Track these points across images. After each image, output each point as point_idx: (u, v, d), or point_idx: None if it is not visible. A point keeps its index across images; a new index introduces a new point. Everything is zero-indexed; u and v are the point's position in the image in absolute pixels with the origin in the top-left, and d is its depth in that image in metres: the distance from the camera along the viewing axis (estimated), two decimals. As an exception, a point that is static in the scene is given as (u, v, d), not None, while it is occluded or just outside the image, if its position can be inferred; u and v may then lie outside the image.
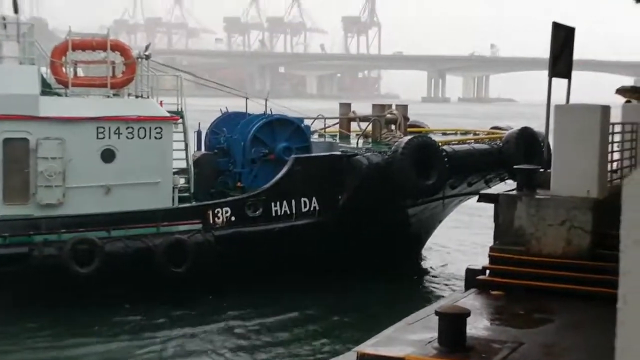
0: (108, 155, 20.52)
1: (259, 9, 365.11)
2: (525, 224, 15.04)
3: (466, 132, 30.70)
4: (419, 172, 21.71)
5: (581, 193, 14.90)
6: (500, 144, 24.75)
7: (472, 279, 14.80)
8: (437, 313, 10.22)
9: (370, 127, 26.48)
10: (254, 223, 20.85)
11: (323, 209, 21.71)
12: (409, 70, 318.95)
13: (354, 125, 28.21)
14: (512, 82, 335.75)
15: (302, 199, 21.51)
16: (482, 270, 15.01)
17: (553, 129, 16.04)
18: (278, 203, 21.22)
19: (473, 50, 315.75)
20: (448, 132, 31.98)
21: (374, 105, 27.65)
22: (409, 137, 23.08)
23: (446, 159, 22.44)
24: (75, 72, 21.57)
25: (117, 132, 20.51)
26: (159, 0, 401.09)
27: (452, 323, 10.06)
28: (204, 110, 22.73)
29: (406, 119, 27.09)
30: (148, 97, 21.61)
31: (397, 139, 23.97)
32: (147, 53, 21.66)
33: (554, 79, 17.65)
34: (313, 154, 22.68)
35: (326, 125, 27.07)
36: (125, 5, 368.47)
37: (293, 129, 23.38)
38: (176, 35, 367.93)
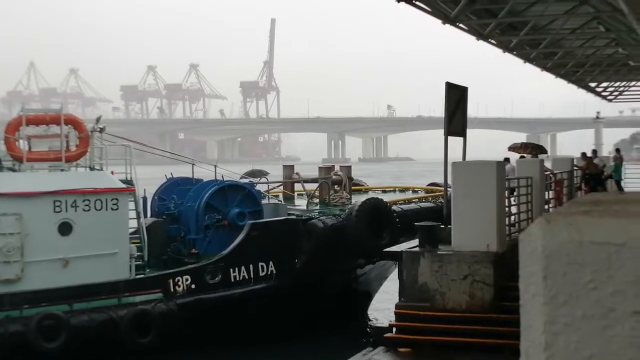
0: (65, 228, 20.49)
1: (156, 76, 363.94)
2: (429, 280, 15.24)
3: (404, 190, 31.86)
4: (373, 232, 22.44)
5: (482, 247, 15.22)
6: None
7: (379, 336, 14.85)
8: (347, 374, 10.18)
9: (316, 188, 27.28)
10: (213, 289, 21.16)
11: (280, 272, 22.14)
12: (309, 132, 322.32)
13: (297, 187, 29.04)
14: (409, 142, 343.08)
15: (260, 264, 21.90)
16: (389, 328, 15.08)
17: (451, 185, 16.37)
18: (236, 269, 21.57)
19: (372, 111, 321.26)
20: (387, 189, 32.88)
21: (320, 168, 28.69)
22: (362, 199, 24.01)
23: (397, 219, 23.30)
24: (29, 147, 21.57)
25: (73, 205, 20.53)
26: (54, 71, 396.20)
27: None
28: (142, 177, 22.76)
29: (350, 179, 27.94)
30: (101, 168, 21.82)
31: (345, 200, 25.40)
32: (101, 126, 21.89)
33: (451, 137, 18.10)
34: (269, 219, 23.12)
35: (269, 188, 27.86)
36: (19, 76, 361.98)
37: (244, 194, 23.87)
38: (72, 105, 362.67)
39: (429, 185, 30.80)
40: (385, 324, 15.25)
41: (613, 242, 1.92)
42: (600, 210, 2.17)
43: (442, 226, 16.78)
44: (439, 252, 15.48)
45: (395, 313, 15.46)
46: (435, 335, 14.49)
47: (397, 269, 17.09)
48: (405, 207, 25.74)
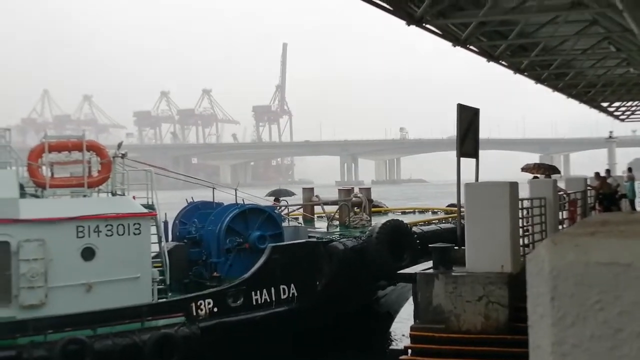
0: (88, 254, 20.69)
1: (169, 102, 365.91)
2: (444, 302, 15.21)
3: (424, 211, 31.93)
4: (394, 253, 22.53)
5: (496, 268, 15.18)
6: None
7: (395, 359, 14.81)
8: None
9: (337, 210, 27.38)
10: (235, 312, 21.30)
11: (301, 295, 22.26)
12: (322, 156, 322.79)
13: (317, 209, 29.17)
14: (421, 163, 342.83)
15: (281, 286, 22.03)
16: (404, 350, 15.05)
17: (465, 206, 16.35)
18: (258, 292, 21.72)
19: (384, 134, 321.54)
20: (407, 211, 32.94)
21: (339, 190, 28.78)
22: (382, 221, 24.11)
23: (417, 240, 23.36)
24: (52, 173, 21.87)
25: (96, 230, 20.73)
26: (68, 98, 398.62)
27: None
28: (160, 202, 23.09)
29: (370, 201, 28.02)
30: (123, 193, 22.08)
31: (365, 221, 25.48)
32: (122, 152, 22.21)
33: (463, 158, 18.12)
34: (290, 242, 23.32)
35: (289, 211, 27.97)
36: (33, 104, 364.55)
37: (265, 217, 24.01)
38: (86, 132, 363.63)
39: (448, 206, 30.82)
40: (401, 346, 15.19)
41: (619, 262, 1.94)
42: (607, 230, 2.19)
43: (456, 247, 16.77)
44: (453, 274, 15.47)
45: (411, 335, 15.44)
46: (450, 357, 14.46)
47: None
48: (425, 228, 25.88)
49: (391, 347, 15.40)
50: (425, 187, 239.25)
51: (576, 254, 2.00)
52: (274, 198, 30.25)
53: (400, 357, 14.85)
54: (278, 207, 27.03)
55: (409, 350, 15.07)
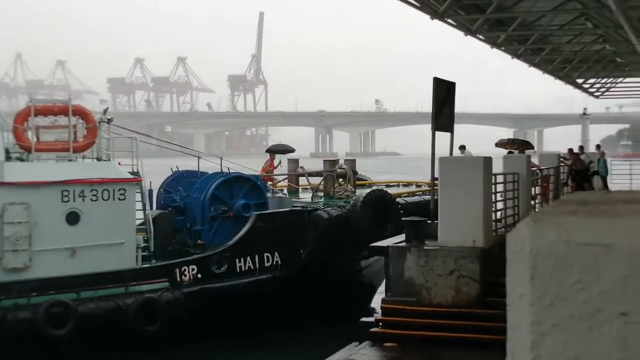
0: (73, 218, 20.76)
1: (143, 69, 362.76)
2: (415, 275, 15.26)
3: (408, 184, 31.97)
4: (378, 223, 22.63)
5: (468, 243, 15.24)
6: None
7: (365, 331, 14.86)
8: (332, 368, 10.19)
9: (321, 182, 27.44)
10: (219, 279, 21.44)
11: (285, 263, 22.45)
12: (297, 127, 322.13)
13: (302, 180, 29.35)
14: (396, 136, 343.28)
15: (265, 254, 22.20)
16: (376, 323, 15.10)
17: (438, 180, 16.37)
18: (242, 259, 21.88)
19: (360, 106, 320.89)
20: (391, 184, 33.05)
21: (324, 161, 28.89)
22: (366, 191, 24.39)
23: (401, 211, 23.40)
24: (38, 138, 21.79)
25: (81, 194, 20.80)
26: (41, 63, 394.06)
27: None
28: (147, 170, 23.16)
29: (354, 172, 28.11)
30: (109, 159, 22.12)
31: (349, 192, 25.54)
32: (108, 117, 22.20)
33: (438, 132, 18.10)
34: (274, 210, 23.43)
35: (274, 181, 28.16)
36: (5, 68, 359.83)
37: (250, 186, 24.13)
38: (59, 97, 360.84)
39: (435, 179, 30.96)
40: (372, 319, 15.25)
41: (600, 242, 1.92)
42: (588, 210, 2.16)
43: (429, 221, 16.80)
44: (425, 248, 15.50)
45: (382, 308, 15.48)
46: (421, 330, 14.51)
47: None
48: (408, 199, 26.09)
49: (362, 320, 15.41)
50: (399, 160, 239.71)
51: (557, 233, 1.98)
52: (270, 152, 30.20)
53: (371, 329, 14.90)
54: (276, 165, 27.38)
55: (380, 323, 15.12)
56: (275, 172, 29.57)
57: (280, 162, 30.24)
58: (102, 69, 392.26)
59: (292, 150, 31.93)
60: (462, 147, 29.55)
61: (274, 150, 30.60)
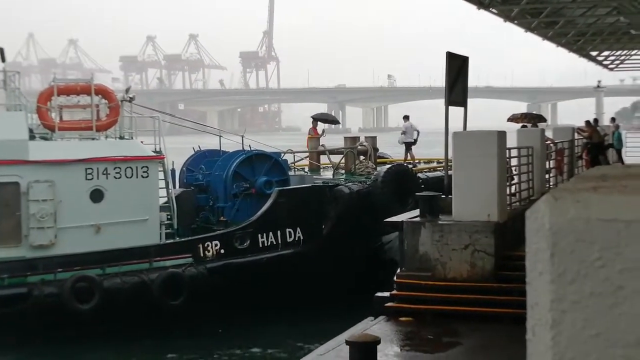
0: (97, 195, 21.22)
1: (155, 46, 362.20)
2: (430, 250, 15.26)
3: (429, 161, 32.01)
4: (399, 198, 22.76)
5: (482, 217, 15.20)
6: None
7: (380, 306, 14.89)
8: (347, 342, 10.22)
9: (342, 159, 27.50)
10: (242, 254, 21.76)
11: (307, 238, 22.70)
12: (309, 103, 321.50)
13: (323, 158, 29.45)
14: (409, 111, 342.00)
15: (287, 230, 22.47)
16: (391, 297, 15.12)
17: (452, 155, 16.32)
18: (264, 234, 22.16)
19: (372, 81, 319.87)
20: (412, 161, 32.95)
21: (345, 138, 28.79)
22: (387, 166, 24.55)
23: (422, 185, 23.57)
24: (61, 117, 22.24)
25: (105, 172, 21.22)
26: (53, 42, 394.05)
27: (363, 351, 10.06)
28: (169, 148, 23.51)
29: (375, 150, 28.16)
30: (131, 137, 22.52)
31: (370, 169, 25.57)
32: (130, 96, 22.55)
33: (451, 107, 18.02)
34: (296, 186, 23.73)
35: (295, 160, 28.33)
36: (18, 47, 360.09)
37: (271, 163, 24.46)
38: (71, 76, 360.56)
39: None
40: (387, 294, 15.28)
41: (622, 219, 1.89)
42: (609, 186, 2.13)
43: (443, 196, 16.76)
44: (439, 222, 15.48)
45: (396, 282, 15.49)
46: (435, 304, 14.54)
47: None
48: (429, 174, 26.27)
49: (377, 294, 15.44)
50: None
51: (577, 209, 1.95)
52: (314, 120, 30.28)
53: (386, 304, 14.93)
54: (320, 134, 27.68)
55: (395, 298, 15.14)
56: (300, 148, 29.60)
57: (324, 131, 30.26)
58: (113, 48, 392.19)
59: (336, 120, 32.09)
60: (406, 117, 29.98)
61: (317, 119, 30.72)
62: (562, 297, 1.93)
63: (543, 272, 1.95)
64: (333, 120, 32.43)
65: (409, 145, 30.32)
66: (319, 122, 30.22)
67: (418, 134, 30.99)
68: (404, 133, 30.45)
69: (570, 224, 1.92)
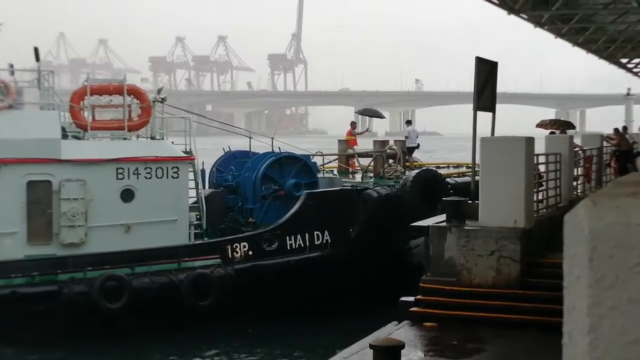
0: (127, 195, 21.41)
1: (184, 47, 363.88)
2: (456, 255, 15.20)
3: (458, 166, 31.89)
4: (427, 202, 22.65)
5: (509, 223, 15.12)
6: None
7: (405, 310, 14.85)
8: (371, 346, 10.19)
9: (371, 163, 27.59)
10: (270, 256, 21.82)
11: (335, 241, 22.64)
12: (336, 106, 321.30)
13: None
14: (436, 116, 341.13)
15: (315, 232, 22.43)
16: (415, 302, 15.07)
17: (479, 160, 16.25)
18: (292, 237, 22.19)
19: (400, 85, 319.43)
20: (441, 165, 33.08)
21: (374, 142, 28.98)
22: (416, 170, 24.53)
23: (451, 190, 23.55)
24: (93, 116, 22.45)
25: (135, 172, 21.39)
26: (83, 42, 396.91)
27: (387, 356, 10.03)
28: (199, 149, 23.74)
29: (404, 153, 28.16)
30: (162, 138, 22.67)
31: (399, 173, 25.60)
32: (162, 97, 22.73)
33: (480, 112, 17.94)
34: (325, 189, 23.85)
35: (324, 162, 28.45)
36: (48, 46, 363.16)
37: (301, 166, 24.51)
38: (100, 76, 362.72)
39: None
40: (412, 298, 15.23)
41: (661, 224, 1.88)
42: (647, 191, 2.12)
43: (470, 202, 16.69)
44: (465, 228, 15.41)
45: (421, 287, 15.44)
46: (460, 310, 14.48)
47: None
48: (458, 179, 26.21)
49: (402, 299, 15.39)
50: (440, 140, 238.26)
51: (616, 215, 1.94)
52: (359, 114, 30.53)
53: (411, 309, 14.89)
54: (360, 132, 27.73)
55: (420, 303, 15.10)
56: (327, 151, 29.65)
57: (368, 129, 30.36)
58: (143, 48, 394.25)
59: (381, 115, 32.09)
60: (408, 122, 29.98)
61: (362, 113, 30.94)
62: (599, 302, 1.92)
63: (581, 276, 1.94)
64: (378, 115, 32.43)
65: (411, 150, 30.43)
66: (360, 118, 30.62)
67: (417, 137, 31.35)
68: (406, 138, 30.54)
69: (609, 229, 1.91)
